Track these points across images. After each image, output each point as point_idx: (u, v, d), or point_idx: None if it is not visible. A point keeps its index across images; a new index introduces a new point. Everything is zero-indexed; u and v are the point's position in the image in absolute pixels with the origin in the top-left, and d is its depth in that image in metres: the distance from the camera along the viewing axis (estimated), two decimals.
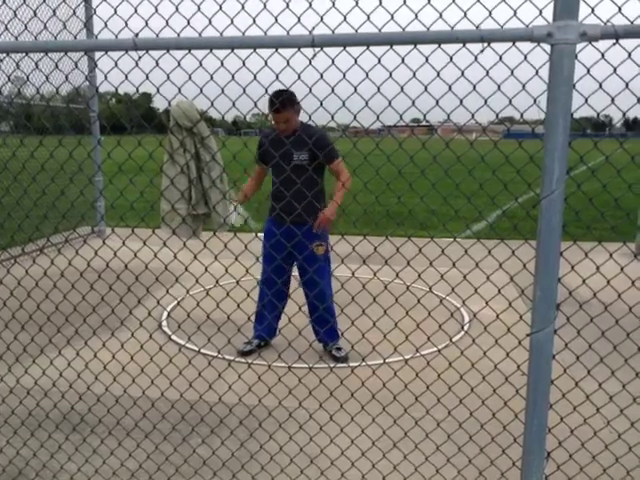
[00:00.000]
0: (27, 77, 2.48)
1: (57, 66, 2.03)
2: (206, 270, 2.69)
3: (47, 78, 2.13)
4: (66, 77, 2.03)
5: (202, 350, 4.39)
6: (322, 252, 4.42)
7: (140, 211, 2.71)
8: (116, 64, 2.04)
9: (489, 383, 2.60)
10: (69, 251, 3.21)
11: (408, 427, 2.89)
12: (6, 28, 2.16)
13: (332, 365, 4.01)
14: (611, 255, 2.30)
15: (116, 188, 2.50)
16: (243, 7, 1.92)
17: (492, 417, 2.62)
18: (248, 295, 2.88)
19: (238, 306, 2.86)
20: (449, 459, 2.74)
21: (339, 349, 4.57)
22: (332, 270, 4.59)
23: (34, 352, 3.49)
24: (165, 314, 5.56)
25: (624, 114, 1.77)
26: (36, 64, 2.11)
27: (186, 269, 2.68)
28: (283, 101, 4.05)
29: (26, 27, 2.06)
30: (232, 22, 1.90)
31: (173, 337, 4.96)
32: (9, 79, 5.23)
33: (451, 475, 2.83)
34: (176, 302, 5.83)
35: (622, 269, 2.19)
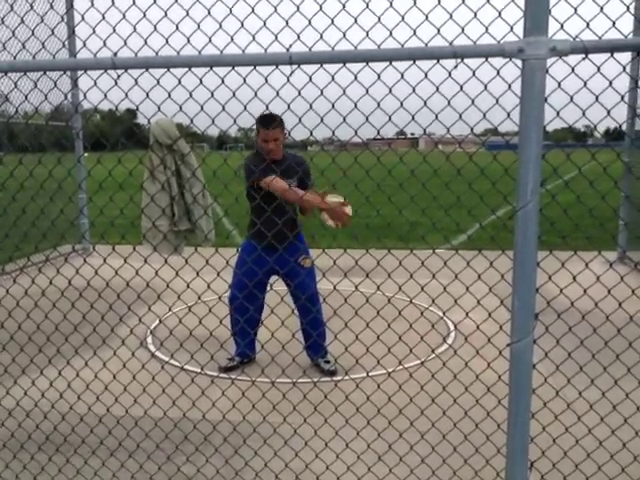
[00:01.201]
0: (6, 96, 2.48)
1: (36, 85, 2.04)
2: (188, 286, 2.69)
3: (26, 97, 2.14)
4: (45, 96, 2.04)
5: (185, 367, 4.37)
6: (309, 264, 4.45)
7: (121, 228, 2.71)
8: (95, 83, 2.05)
9: (472, 394, 2.62)
10: (50, 270, 3.20)
11: (393, 440, 2.90)
12: None
13: (316, 380, 4.02)
14: (587, 264, 2.34)
15: (97, 206, 2.50)
16: (221, 26, 1.94)
17: (475, 428, 2.63)
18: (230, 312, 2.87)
19: (221, 322, 2.86)
20: (434, 471, 2.75)
21: (327, 362, 4.57)
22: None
23: (15, 372, 3.46)
24: (148, 331, 5.53)
25: (595, 126, 1.81)
26: (15, 84, 2.11)
27: (167, 286, 2.68)
28: (276, 119, 4.14)
29: (4, 46, 2.07)
30: (210, 41, 1.93)
31: (156, 354, 4.93)
32: None
33: None
34: (158, 320, 5.80)
35: (598, 278, 2.23)
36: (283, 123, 4.25)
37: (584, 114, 1.80)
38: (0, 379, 3.28)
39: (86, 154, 8.35)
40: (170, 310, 3.05)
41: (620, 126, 1.85)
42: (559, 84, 1.77)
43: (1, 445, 3.22)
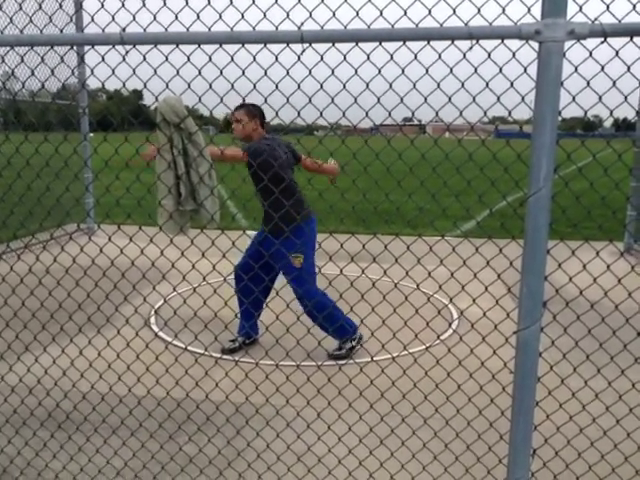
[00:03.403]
0: (12, 71, 2.45)
1: (43, 60, 2.01)
2: (193, 267, 2.67)
3: (33, 72, 2.11)
4: (52, 71, 2.01)
5: (189, 347, 4.37)
6: (298, 264, 4.31)
7: (126, 207, 2.69)
8: (103, 59, 2.02)
9: (476, 380, 2.60)
10: (55, 248, 3.18)
11: (395, 424, 2.89)
12: None
13: (320, 363, 4.01)
14: (597, 253, 2.31)
15: (103, 185, 2.47)
16: (232, 2, 1.90)
17: (479, 414, 2.63)
18: (235, 292, 2.86)
19: (225, 303, 2.85)
20: (436, 456, 2.74)
21: (340, 349, 4.49)
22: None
23: (19, 349, 3.46)
24: (152, 311, 5.53)
25: (611, 112, 1.78)
26: (22, 58, 2.08)
27: (173, 266, 2.66)
28: (244, 104, 4.30)
29: (11, 20, 2.03)
30: (220, 17, 1.89)
31: (160, 334, 4.94)
32: None
33: (438, 472, 2.84)
34: (163, 300, 5.80)
35: (608, 267, 2.20)
36: (251, 111, 4.35)
37: (600, 99, 1.76)
38: (3, 355, 3.28)
39: (92, 134, 8.32)
40: (175, 290, 3.04)
41: (638, 113, 1.81)
42: (576, 68, 1.73)
43: (4, 421, 3.23)
